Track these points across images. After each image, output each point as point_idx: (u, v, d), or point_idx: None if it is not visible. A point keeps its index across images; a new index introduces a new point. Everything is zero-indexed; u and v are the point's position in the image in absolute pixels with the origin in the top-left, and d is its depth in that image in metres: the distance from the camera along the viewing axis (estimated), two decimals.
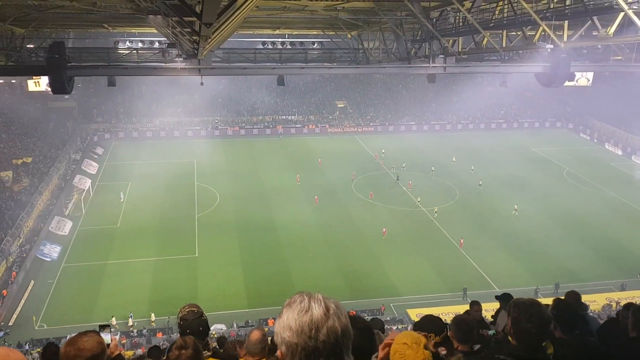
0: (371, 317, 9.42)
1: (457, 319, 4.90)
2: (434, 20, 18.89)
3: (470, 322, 4.90)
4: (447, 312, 26.23)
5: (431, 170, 54.72)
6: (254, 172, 54.16)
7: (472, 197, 48.78)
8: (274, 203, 46.12)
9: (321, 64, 26.01)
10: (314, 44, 31.66)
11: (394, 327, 27.33)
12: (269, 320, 30.24)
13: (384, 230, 40.13)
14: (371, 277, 34.70)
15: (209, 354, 3.96)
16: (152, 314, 30.62)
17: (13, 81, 58.83)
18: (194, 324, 4.32)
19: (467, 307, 8.41)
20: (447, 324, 4.72)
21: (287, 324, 1.55)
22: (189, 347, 3.43)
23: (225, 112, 70.77)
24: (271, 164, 56.66)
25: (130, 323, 30.21)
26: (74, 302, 31.92)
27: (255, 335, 5.08)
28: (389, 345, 2.23)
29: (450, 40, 19.63)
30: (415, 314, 30.39)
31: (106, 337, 4.51)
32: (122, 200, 46.37)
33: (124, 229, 41.47)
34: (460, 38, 19.88)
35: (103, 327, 4.63)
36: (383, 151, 60.05)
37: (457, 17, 18.68)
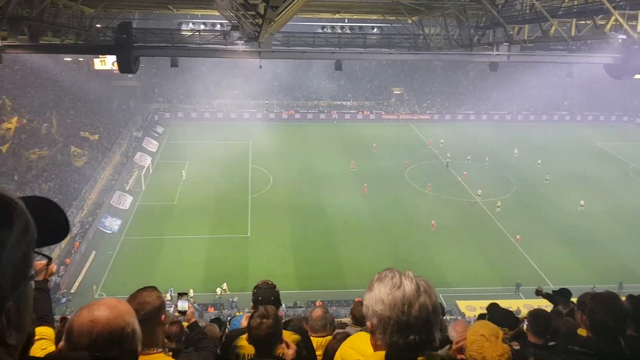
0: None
1: (535, 312, 4.89)
2: (500, 6, 18.35)
3: (548, 315, 4.89)
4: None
5: (485, 161, 53.49)
6: (307, 156, 54.49)
7: (531, 191, 47.37)
8: (326, 188, 46.30)
9: (380, 50, 25.76)
10: (373, 29, 31.31)
11: (446, 318, 27.07)
12: (316, 302, 30.59)
13: (432, 222, 39.62)
14: (421, 266, 34.40)
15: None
16: (191, 290, 31.48)
17: (81, 59, 61.09)
18: (266, 293, 4.54)
19: (521, 302, 8.27)
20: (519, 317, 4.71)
21: (379, 298, 1.59)
22: (270, 317, 3.53)
23: (281, 96, 71.32)
24: (324, 149, 56.82)
25: (169, 298, 31.18)
26: (132, 273, 33.23)
27: (317, 312, 5.21)
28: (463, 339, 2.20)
29: (516, 28, 19.02)
30: (465, 306, 30.05)
31: (184, 304, 4.74)
32: (183, 178, 47.51)
33: (180, 206, 42.73)
34: (526, 26, 19.22)
35: (181, 295, 4.85)
36: (441, 141, 58.86)
37: (524, 4, 18.06)
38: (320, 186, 46.79)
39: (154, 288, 3.21)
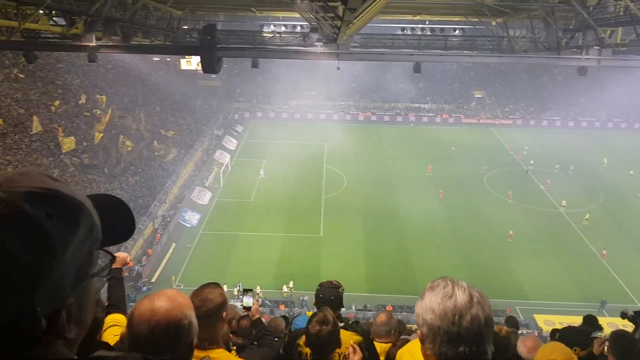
0: (507, 316, 9.12)
1: (617, 333, 4.56)
2: (591, 8, 17.38)
3: (631, 337, 4.54)
4: (580, 323, 24.36)
5: (569, 169, 50.85)
6: (382, 158, 54.11)
7: (620, 204, 44.56)
8: (401, 191, 45.75)
9: (461, 52, 25.13)
10: (454, 31, 30.63)
11: (521, 332, 26.02)
12: (386, 307, 30.34)
13: (510, 233, 38.13)
14: (498, 276, 33.29)
15: (342, 324, 4.07)
16: (258, 286, 31.99)
17: (168, 59, 63.98)
18: (327, 291, 4.52)
19: (605, 319, 7.76)
20: (594, 337, 4.40)
21: (429, 307, 1.56)
22: (329, 324, 3.49)
23: (358, 97, 71.32)
24: (400, 152, 56.18)
25: (235, 293, 31.95)
26: (208, 266, 34.40)
27: (382, 317, 5.12)
28: None
29: (608, 31, 17.95)
30: (543, 320, 28.77)
31: (248, 300, 4.84)
32: (262, 176, 48.50)
33: (256, 204, 43.73)
34: (620, 29, 18.10)
35: (247, 291, 4.95)
36: (525, 148, 56.47)
37: (618, 6, 17.00)
38: (395, 189, 46.32)
39: (217, 285, 3.27)
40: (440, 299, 1.55)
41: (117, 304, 4.00)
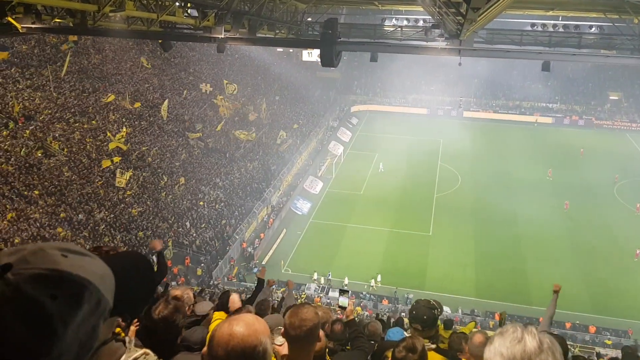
0: (623, 346, 8.35)
1: None
2: None
3: None
4: None
5: None
6: (500, 160, 51.61)
7: None
8: (519, 195, 43.37)
9: (597, 51, 23.24)
10: (590, 28, 28.38)
11: None
12: (495, 315, 29.20)
13: (637, 252, 34.79)
14: (621, 295, 30.71)
15: (433, 346, 4.00)
16: (346, 278, 32.15)
17: (290, 51, 65.91)
18: (421, 311, 4.44)
19: None
20: None
21: (498, 350, 1.54)
22: (416, 353, 3.45)
23: (479, 94, 68.73)
24: (521, 154, 53.12)
25: (322, 281, 32.25)
26: (316, 254, 35.19)
27: (479, 338, 4.95)
28: None
29: None
30: None
31: (344, 301, 4.92)
32: (380, 170, 48.30)
33: (366, 197, 43.88)
34: None
35: (343, 292, 5.05)
36: None
37: None
38: (513, 193, 44.03)
39: (309, 305, 3.37)
40: (509, 343, 1.53)
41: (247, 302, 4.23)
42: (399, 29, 25.33)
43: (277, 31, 24.51)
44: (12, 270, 0.87)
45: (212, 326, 4.22)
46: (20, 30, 15.79)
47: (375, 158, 51.47)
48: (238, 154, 44.99)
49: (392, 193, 44.00)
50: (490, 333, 4.88)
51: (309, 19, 27.85)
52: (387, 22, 32.02)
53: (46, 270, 0.89)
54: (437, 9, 15.54)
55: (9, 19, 14.69)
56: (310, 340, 2.91)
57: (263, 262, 35.18)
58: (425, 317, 4.40)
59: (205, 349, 1.83)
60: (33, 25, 15.90)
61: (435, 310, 4.52)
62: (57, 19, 17.54)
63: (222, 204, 38.40)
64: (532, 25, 28.50)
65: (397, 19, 35.83)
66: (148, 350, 2.58)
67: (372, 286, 32.23)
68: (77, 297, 0.90)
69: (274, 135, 49.28)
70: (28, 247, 0.94)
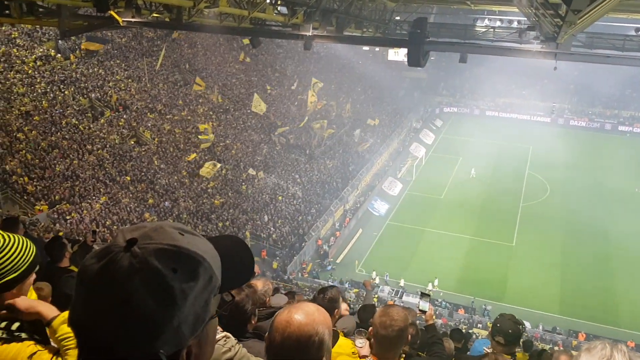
0: None
1: None
2: None
3: None
4: None
5: None
6: (594, 171, 48.22)
7: None
8: (612, 209, 40.50)
9: None
10: None
11: None
12: (579, 334, 27.57)
13: None
14: None
15: None
16: (402, 280, 31.50)
17: (377, 49, 65.31)
18: (506, 324, 4.33)
19: None
20: None
21: None
22: None
23: (575, 101, 64.94)
24: (620, 166, 49.04)
25: (377, 281, 31.65)
26: (391, 257, 34.68)
27: (564, 358, 4.73)
28: None
29: None
30: None
31: (425, 305, 4.73)
32: (472, 176, 46.72)
33: (446, 202, 42.75)
34: None
35: (424, 296, 4.84)
36: None
37: None
38: (607, 207, 41.07)
39: (399, 306, 3.29)
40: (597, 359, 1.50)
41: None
42: (492, 29, 24.37)
43: (365, 29, 24.28)
44: (137, 244, 0.94)
45: None
46: (121, 24, 16.55)
47: (459, 162, 50.04)
48: (318, 151, 45.24)
49: (474, 199, 42.55)
50: (574, 353, 4.52)
51: (397, 18, 27.40)
52: (479, 23, 30.99)
53: (167, 246, 0.96)
54: (534, 10, 14.76)
55: (112, 12, 15.41)
56: (399, 341, 2.94)
57: (337, 261, 35.18)
58: (510, 331, 4.28)
59: (267, 334, 1.83)
60: (132, 19, 16.59)
61: (521, 326, 4.40)
62: (155, 13, 18.27)
63: (299, 200, 38.77)
64: (637, 30, 26.50)
65: (489, 20, 34.64)
66: (229, 334, 2.68)
67: (429, 290, 31.53)
68: (194, 272, 0.97)
69: (355, 135, 49.13)
70: (148, 224, 1.01)
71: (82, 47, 36.20)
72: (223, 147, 38.78)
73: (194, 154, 34.95)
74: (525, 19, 21.00)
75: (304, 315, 1.76)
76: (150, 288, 0.90)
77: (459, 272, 33.10)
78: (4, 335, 2.03)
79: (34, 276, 2.18)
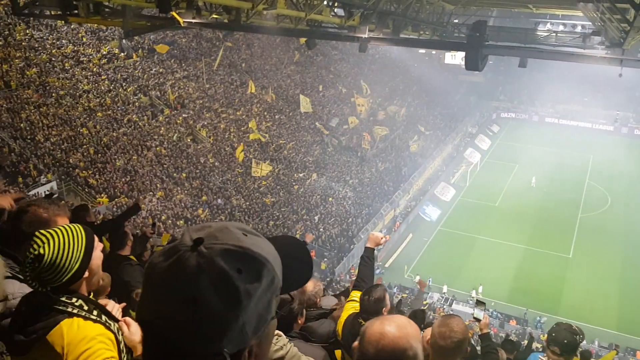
0: None
1: None
2: None
3: None
4: None
5: None
6: None
7: None
8: None
9: None
10: None
11: None
12: (637, 353, 26.32)
13: None
14: None
15: None
16: (445, 286, 31.11)
17: (433, 52, 64.46)
18: (562, 334, 4.24)
19: None
20: None
21: None
22: None
23: None
24: None
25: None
26: (441, 263, 34.12)
27: None
28: None
29: None
30: None
31: (479, 313, 4.67)
32: (532, 185, 45.13)
33: (501, 209, 41.66)
34: None
35: (480, 304, 4.77)
36: None
37: None
38: None
39: (459, 316, 3.26)
40: None
41: (362, 281, 4.55)
42: (554, 34, 23.65)
43: (422, 32, 24.00)
44: (204, 244, 0.96)
45: (346, 306, 4.44)
46: (182, 25, 16.98)
47: (515, 169, 48.71)
48: (370, 154, 45.05)
49: (530, 208, 41.23)
50: None
51: (456, 21, 26.98)
52: (540, 27, 30.13)
53: (233, 247, 0.97)
54: (599, 15, 14.23)
55: (173, 13, 15.85)
56: (457, 353, 2.89)
57: (386, 265, 34.92)
58: (565, 341, 4.15)
59: (356, 343, 1.85)
60: (193, 20, 17.00)
61: (577, 337, 4.24)
62: (215, 14, 18.68)
63: (350, 202, 38.72)
64: None
65: (552, 24, 33.64)
66: (280, 332, 2.72)
67: (473, 297, 30.80)
68: (258, 273, 0.99)
69: (407, 138, 48.64)
70: (213, 224, 1.04)
71: (157, 49, 37.27)
72: (276, 146, 39.23)
73: (241, 147, 35.20)
74: (590, 23, 20.26)
75: (397, 328, 1.75)
76: (216, 288, 0.92)
77: (511, 282, 32.21)
78: (86, 314, 2.15)
79: (99, 253, 2.27)
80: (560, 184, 45.19)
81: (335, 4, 19.19)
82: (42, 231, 2.11)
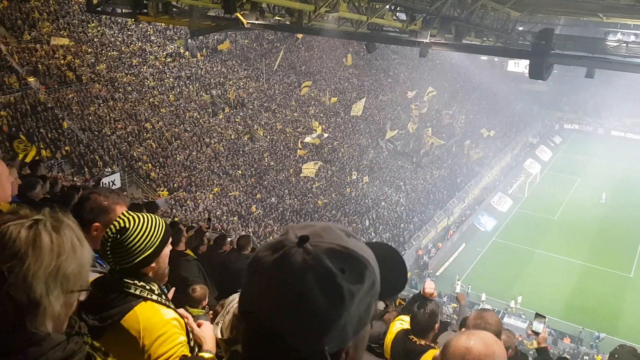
0: None
1: None
2: None
3: None
4: None
5: None
6: None
7: None
8: None
9: None
10: None
11: None
12: None
13: None
14: None
15: None
16: (484, 294, 30.54)
17: (495, 59, 63.02)
18: (625, 357, 4.09)
19: None
20: None
21: None
22: None
23: None
24: None
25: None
26: (494, 275, 33.31)
27: None
28: None
29: None
30: None
31: (538, 326, 4.60)
32: (602, 201, 43.36)
33: (560, 223, 40.24)
34: None
35: (539, 316, 4.70)
36: None
37: None
38: None
39: (493, 312, 3.26)
40: None
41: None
42: (624, 44, 22.67)
43: (485, 38, 23.56)
44: (309, 241, 0.97)
45: (388, 335, 4.37)
46: (245, 25, 17.40)
47: (577, 183, 46.96)
48: (426, 160, 44.54)
49: (591, 224, 39.61)
50: None
51: (520, 28, 26.31)
52: (610, 37, 29.00)
53: (337, 246, 0.98)
54: None
55: (238, 14, 16.26)
56: None
57: (437, 273, 34.41)
58: None
59: (438, 353, 1.85)
60: (256, 22, 17.38)
61: None
62: (277, 16, 19.01)
63: (402, 208, 38.40)
64: None
65: (622, 34, 32.31)
66: None
67: (512, 307, 29.95)
68: (360, 274, 0.99)
69: (464, 145, 47.76)
70: (316, 224, 1.05)
71: (220, 47, 38.37)
72: (331, 148, 39.41)
73: (302, 151, 35.69)
74: None
75: (484, 345, 1.74)
76: (321, 285, 0.93)
77: (567, 299, 31.09)
78: (158, 299, 2.26)
79: (169, 248, 2.38)
80: (625, 200, 43.20)
81: (398, 8, 19.16)
82: (128, 212, 2.26)
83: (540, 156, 52.48)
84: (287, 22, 19.16)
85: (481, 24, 21.69)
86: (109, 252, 2.18)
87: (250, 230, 28.45)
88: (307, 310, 0.93)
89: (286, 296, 0.93)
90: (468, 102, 56.30)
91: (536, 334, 4.63)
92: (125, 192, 24.38)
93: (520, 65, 55.52)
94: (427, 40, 17.90)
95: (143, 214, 2.28)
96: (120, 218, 2.21)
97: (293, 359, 0.95)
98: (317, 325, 0.94)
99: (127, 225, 2.18)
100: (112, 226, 2.18)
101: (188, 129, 33.16)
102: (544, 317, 4.83)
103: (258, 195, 32.23)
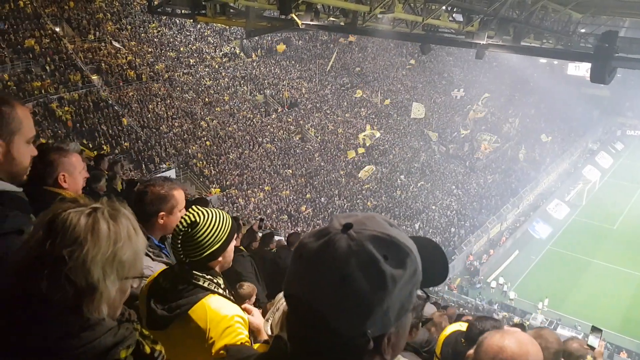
0: None
1: None
2: None
3: None
4: None
5: None
6: None
7: None
8: None
9: None
10: None
11: None
12: None
13: None
14: None
15: None
16: (547, 299, 29.67)
17: (555, 63, 60.97)
18: None
19: None
20: None
21: None
22: None
23: None
24: None
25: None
26: (548, 284, 32.21)
27: None
28: None
29: None
30: None
31: (594, 340, 4.37)
32: None
33: (620, 233, 38.54)
34: None
35: (595, 330, 4.47)
36: None
37: None
38: None
39: (549, 329, 3.12)
40: None
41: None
42: None
43: (545, 40, 22.88)
44: (353, 228, 1.00)
45: (443, 332, 4.37)
46: (300, 26, 17.55)
47: (638, 191, 44.89)
48: (479, 164, 43.62)
49: None
50: None
51: (582, 30, 25.39)
52: None
53: (380, 234, 1.01)
54: None
55: (293, 15, 16.43)
56: None
57: (488, 280, 33.65)
58: None
59: (471, 351, 1.85)
60: (310, 22, 17.48)
61: None
62: (332, 17, 19.07)
63: (454, 212, 37.75)
64: None
65: None
66: None
67: (539, 309, 29.05)
68: (403, 261, 1.01)
69: (519, 150, 46.50)
70: (359, 214, 1.07)
71: (277, 48, 39.05)
72: (382, 150, 39.20)
73: (352, 153, 35.71)
74: None
75: (518, 344, 1.73)
76: (364, 270, 0.95)
77: (625, 311, 29.74)
78: (224, 292, 2.33)
79: (234, 243, 2.44)
80: None
81: (455, 9, 18.86)
82: (198, 207, 2.33)
83: (600, 163, 50.46)
84: (342, 23, 19.20)
85: (541, 25, 21.08)
86: (179, 245, 2.25)
87: (299, 229, 28.70)
88: (351, 294, 0.95)
89: (330, 280, 0.96)
90: (525, 106, 54.72)
91: (592, 348, 4.38)
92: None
93: (581, 69, 53.57)
94: (484, 42, 17.57)
95: (212, 209, 2.36)
96: (191, 212, 2.29)
97: (336, 342, 0.98)
98: (360, 308, 0.96)
99: (198, 220, 2.25)
100: (182, 220, 2.27)
101: (241, 128, 33.74)
102: (601, 330, 4.58)
103: (308, 195, 32.43)
